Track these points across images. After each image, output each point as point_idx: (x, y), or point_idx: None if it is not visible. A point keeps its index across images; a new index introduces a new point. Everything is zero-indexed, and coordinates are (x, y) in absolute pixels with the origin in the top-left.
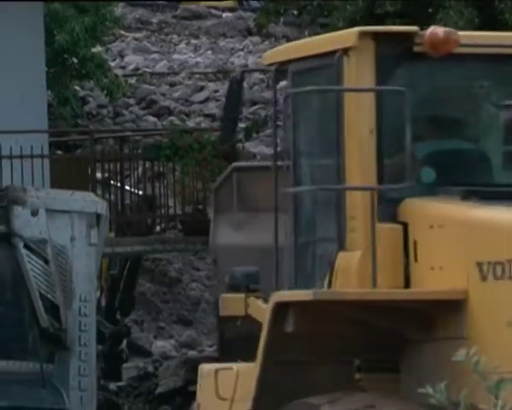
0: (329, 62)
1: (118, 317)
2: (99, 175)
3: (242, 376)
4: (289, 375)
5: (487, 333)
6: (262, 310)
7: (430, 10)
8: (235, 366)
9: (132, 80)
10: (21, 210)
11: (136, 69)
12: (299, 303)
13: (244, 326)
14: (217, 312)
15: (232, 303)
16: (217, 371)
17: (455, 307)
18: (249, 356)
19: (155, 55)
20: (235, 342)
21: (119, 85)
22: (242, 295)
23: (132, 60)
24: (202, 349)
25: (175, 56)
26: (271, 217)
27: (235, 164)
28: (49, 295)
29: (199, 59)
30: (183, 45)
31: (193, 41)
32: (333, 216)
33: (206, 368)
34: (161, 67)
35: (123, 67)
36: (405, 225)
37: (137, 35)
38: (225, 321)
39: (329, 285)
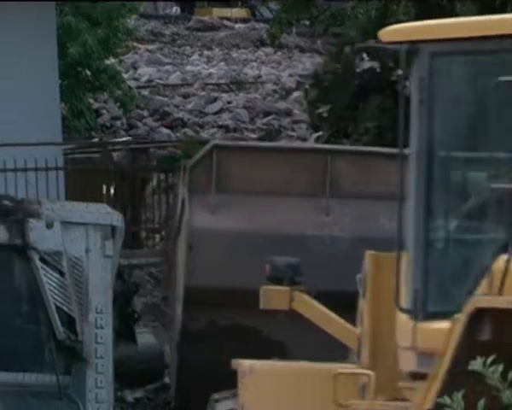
0: (493, 47)
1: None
2: (113, 187)
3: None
4: (469, 387)
5: None
6: (311, 307)
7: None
8: (365, 370)
9: (146, 92)
10: (36, 223)
11: (150, 81)
12: (496, 310)
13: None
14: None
15: (275, 296)
16: (339, 374)
17: None
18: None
19: (168, 67)
20: (197, 336)
21: (133, 97)
22: (287, 288)
23: (145, 71)
24: None
25: (188, 68)
26: (253, 200)
27: (215, 142)
28: (65, 308)
29: (212, 70)
30: (195, 57)
31: (206, 52)
32: (496, 214)
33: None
34: (174, 78)
35: (136, 79)
36: None
37: (150, 47)
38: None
39: (490, 290)
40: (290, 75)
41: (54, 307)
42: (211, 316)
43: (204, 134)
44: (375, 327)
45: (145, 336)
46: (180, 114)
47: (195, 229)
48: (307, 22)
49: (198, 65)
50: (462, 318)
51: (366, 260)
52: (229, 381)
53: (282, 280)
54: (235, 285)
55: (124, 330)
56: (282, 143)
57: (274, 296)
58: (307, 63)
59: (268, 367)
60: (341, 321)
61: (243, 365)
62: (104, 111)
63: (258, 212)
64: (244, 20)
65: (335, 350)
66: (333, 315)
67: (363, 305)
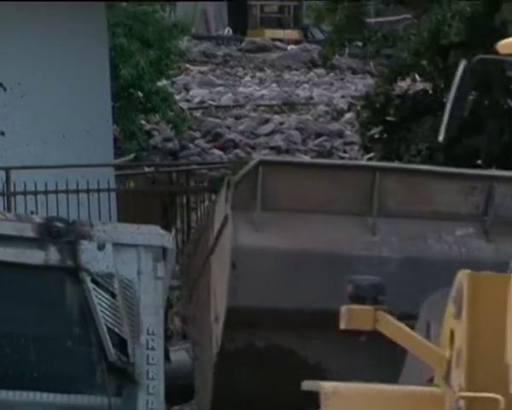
0: None
1: None
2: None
3: None
4: None
5: None
6: (396, 327)
7: (494, 39)
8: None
9: (198, 113)
10: (88, 245)
11: (202, 102)
12: None
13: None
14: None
15: (358, 316)
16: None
17: None
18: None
19: (220, 88)
20: (235, 358)
21: (185, 119)
22: (371, 308)
23: (197, 93)
24: None
25: (240, 89)
26: (298, 218)
27: (261, 158)
28: (117, 329)
29: (264, 91)
30: (248, 78)
31: (258, 74)
32: None
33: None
34: (226, 99)
35: (188, 101)
36: None
37: (202, 68)
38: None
39: None
40: (342, 96)
41: (105, 328)
42: (249, 337)
43: (256, 155)
44: (474, 348)
45: (178, 354)
46: (232, 136)
47: (240, 247)
48: (359, 44)
49: (250, 86)
50: None
51: (461, 279)
52: (266, 403)
53: (364, 299)
54: (279, 306)
55: None
56: (329, 160)
57: (357, 316)
58: (359, 84)
59: (353, 389)
60: (427, 343)
61: (325, 387)
62: (156, 132)
63: (304, 230)
64: (296, 42)
65: (369, 370)
66: (418, 337)
67: (457, 325)
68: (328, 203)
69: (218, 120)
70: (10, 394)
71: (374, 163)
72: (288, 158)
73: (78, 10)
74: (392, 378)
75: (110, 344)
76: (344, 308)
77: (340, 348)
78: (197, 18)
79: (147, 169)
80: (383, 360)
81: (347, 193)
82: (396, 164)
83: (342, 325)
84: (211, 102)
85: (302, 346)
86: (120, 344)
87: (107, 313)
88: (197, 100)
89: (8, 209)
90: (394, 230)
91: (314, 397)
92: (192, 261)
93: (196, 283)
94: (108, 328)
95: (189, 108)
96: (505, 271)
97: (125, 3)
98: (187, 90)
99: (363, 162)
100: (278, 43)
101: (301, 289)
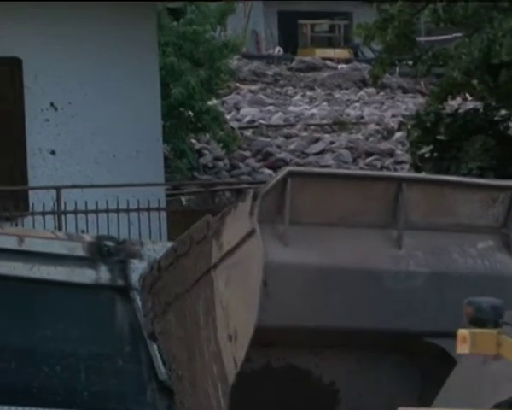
0: None
1: None
2: None
3: None
4: None
5: None
6: None
7: None
8: None
9: (248, 132)
10: (139, 264)
11: (252, 121)
12: None
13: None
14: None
15: (482, 340)
16: None
17: None
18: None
19: (271, 108)
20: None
21: (235, 138)
22: (494, 332)
23: (248, 112)
24: None
25: (290, 108)
26: (325, 231)
27: (290, 168)
28: None
29: (314, 110)
30: (298, 97)
31: (308, 93)
32: None
33: None
34: (277, 119)
35: (239, 120)
36: None
37: (253, 87)
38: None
39: None
40: (393, 115)
41: (155, 347)
42: (266, 356)
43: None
44: None
45: None
46: (282, 155)
47: (271, 263)
48: (410, 63)
49: (300, 105)
50: None
51: None
52: None
53: (485, 323)
54: (308, 324)
55: None
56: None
57: (480, 340)
58: (410, 103)
59: None
60: None
61: None
62: (206, 152)
63: (332, 244)
64: (346, 61)
65: (384, 391)
66: None
67: None
68: (354, 215)
69: (269, 140)
70: None
71: (398, 173)
72: (316, 169)
73: (128, 29)
74: (408, 400)
75: (160, 363)
76: (465, 332)
77: (353, 366)
78: (247, 37)
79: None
80: (397, 380)
81: (372, 204)
82: (422, 175)
83: (465, 350)
84: (261, 122)
85: (316, 365)
86: None
87: None
88: (247, 119)
89: (59, 228)
90: (418, 243)
91: None
92: (166, 275)
93: (178, 298)
94: (158, 347)
95: (240, 128)
96: None
97: (175, 23)
98: (237, 109)
99: (388, 173)
100: (328, 62)
101: (330, 306)
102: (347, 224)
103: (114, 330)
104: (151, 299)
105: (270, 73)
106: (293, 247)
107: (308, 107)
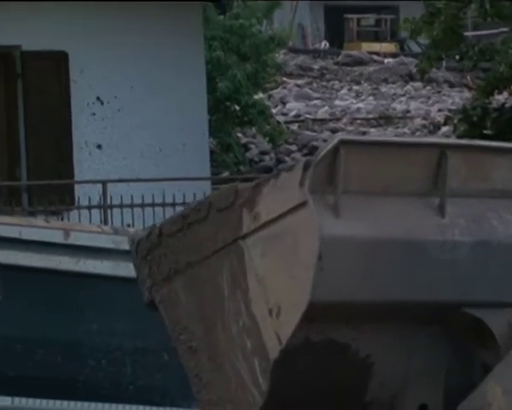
0: None
1: None
2: None
3: None
4: None
5: None
6: None
7: None
8: None
9: (294, 127)
10: None
11: (298, 115)
12: None
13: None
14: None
15: None
16: None
17: None
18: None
19: (317, 102)
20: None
21: (281, 132)
22: None
23: (294, 106)
24: None
25: (336, 102)
26: (373, 201)
27: (341, 137)
28: None
29: (360, 105)
30: (344, 91)
31: (354, 87)
32: None
33: None
34: (323, 113)
35: (285, 114)
36: None
37: (299, 81)
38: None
39: None
40: (439, 110)
41: None
42: (305, 331)
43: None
44: None
45: None
46: None
47: (324, 236)
48: (456, 57)
49: (347, 99)
50: None
51: None
52: (319, 400)
53: None
54: (360, 298)
55: None
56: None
57: None
58: (456, 98)
59: None
60: None
61: None
62: (252, 146)
63: (380, 215)
64: (393, 55)
65: (416, 363)
66: None
67: None
68: (399, 183)
69: (315, 134)
70: (106, 406)
71: (441, 140)
72: (367, 137)
73: (175, 24)
74: (437, 372)
75: None
76: None
77: (391, 341)
78: (294, 31)
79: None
80: (429, 351)
81: (415, 171)
82: (460, 141)
83: None
84: (307, 116)
85: (354, 338)
86: None
87: None
88: (293, 113)
89: (105, 222)
90: (460, 211)
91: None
92: (171, 241)
93: (189, 266)
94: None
95: (286, 122)
96: None
97: (222, 17)
98: (283, 103)
99: (431, 139)
100: (375, 57)
101: (382, 279)
102: (393, 192)
103: (160, 324)
104: (148, 266)
105: (316, 67)
106: (344, 218)
107: (354, 101)
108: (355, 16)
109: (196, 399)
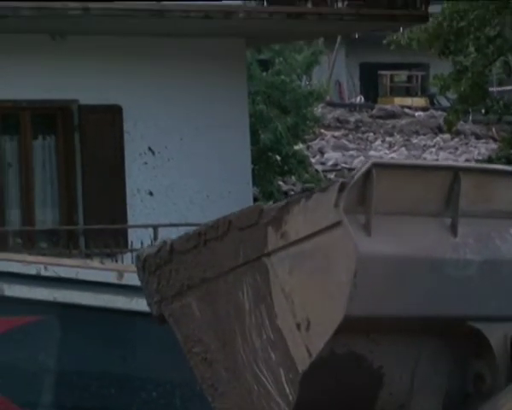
0: None
1: None
2: None
3: None
4: None
5: None
6: None
7: None
8: None
9: (331, 175)
10: None
11: (335, 165)
12: None
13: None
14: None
15: None
16: None
17: None
18: None
19: (353, 152)
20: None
21: (319, 180)
22: None
23: (331, 156)
24: None
25: (371, 153)
26: (397, 221)
27: (374, 160)
28: None
29: (393, 155)
30: (378, 142)
31: (388, 138)
32: None
33: None
34: (358, 162)
35: (323, 163)
36: None
37: (336, 133)
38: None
39: None
40: (466, 160)
41: None
42: (331, 344)
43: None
44: None
45: None
46: None
47: (362, 254)
48: (482, 111)
49: (380, 150)
50: None
51: None
52: None
53: None
54: (390, 313)
55: None
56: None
57: None
58: (482, 149)
59: None
60: None
61: None
62: (292, 193)
63: (405, 234)
64: (423, 109)
65: (420, 372)
66: None
67: None
68: (417, 204)
69: None
70: None
71: (455, 163)
72: (397, 160)
73: (222, 80)
74: (440, 382)
75: None
76: None
77: (402, 353)
78: (331, 87)
79: None
80: (433, 362)
81: (432, 193)
82: (472, 164)
83: None
84: (344, 165)
85: (371, 350)
86: None
87: None
88: (331, 162)
89: None
90: (469, 230)
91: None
92: (185, 258)
93: (204, 282)
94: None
95: (324, 170)
96: None
97: (264, 74)
98: (321, 153)
99: (444, 162)
100: (407, 110)
101: (405, 295)
102: (415, 213)
103: None
104: (156, 281)
105: (352, 119)
106: (375, 237)
107: (387, 151)
108: (388, 73)
109: (212, 409)
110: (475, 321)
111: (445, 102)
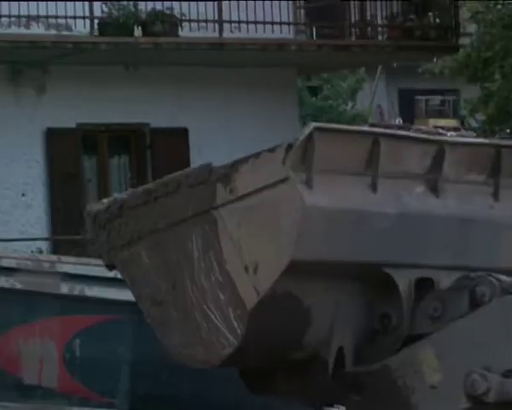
0: None
1: None
2: None
3: None
4: None
5: None
6: None
7: None
8: None
9: None
10: None
11: None
12: None
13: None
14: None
15: None
16: None
17: None
18: None
19: None
20: None
21: None
22: None
23: None
24: None
25: None
26: (341, 180)
27: (315, 124)
28: None
29: None
30: None
31: None
32: None
33: None
34: None
35: None
36: None
37: None
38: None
39: None
40: None
41: None
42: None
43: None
44: None
45: None
46: None
47: (304, 206)
48: (507, 131)
49: None
50: None
51: None
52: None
53: None
54: (324, 258)
55: None
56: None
57: None
58: None
59: None
60: None
61: None
62: None
63: (336, 190)
64: (455, 129)
65: (343, 313)
66: None
67: None
68: (347, 165)
69: None
70: None
71: (375, 130)
72: (334, 125)
73: (275, 105)
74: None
75: None
76: None
77: (328, 294)
78: (373, 110)
79: None
80: (355, 305)
81: (357, 155)
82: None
83: None
84: None
85: (302, 290)
86: None
87: None
88: None
89: None
90: (386, 188)
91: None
92: (135, 213)
93: (154, 232)
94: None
95: None
96: None
97: (314, 99)
98: None
99: (367, 128)
100: (440, 131)
101: (336, 243)
102: (345, 172)
103: None
104: (106, 234)
105: None
106: (315, 192)
107: None
108: (424, 97)
109: (161, 344)
110: (387, 267)
111: (474, 123)
